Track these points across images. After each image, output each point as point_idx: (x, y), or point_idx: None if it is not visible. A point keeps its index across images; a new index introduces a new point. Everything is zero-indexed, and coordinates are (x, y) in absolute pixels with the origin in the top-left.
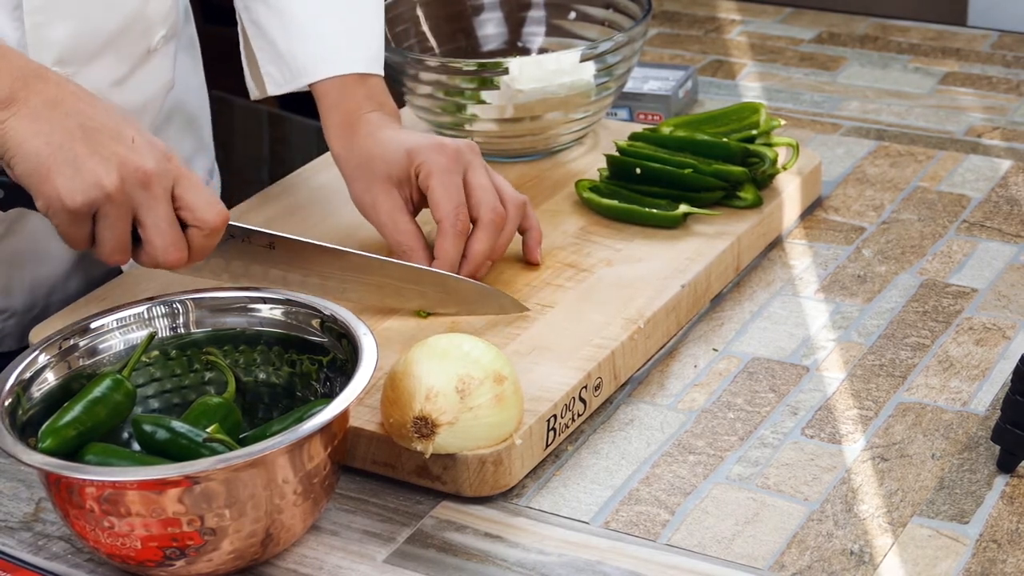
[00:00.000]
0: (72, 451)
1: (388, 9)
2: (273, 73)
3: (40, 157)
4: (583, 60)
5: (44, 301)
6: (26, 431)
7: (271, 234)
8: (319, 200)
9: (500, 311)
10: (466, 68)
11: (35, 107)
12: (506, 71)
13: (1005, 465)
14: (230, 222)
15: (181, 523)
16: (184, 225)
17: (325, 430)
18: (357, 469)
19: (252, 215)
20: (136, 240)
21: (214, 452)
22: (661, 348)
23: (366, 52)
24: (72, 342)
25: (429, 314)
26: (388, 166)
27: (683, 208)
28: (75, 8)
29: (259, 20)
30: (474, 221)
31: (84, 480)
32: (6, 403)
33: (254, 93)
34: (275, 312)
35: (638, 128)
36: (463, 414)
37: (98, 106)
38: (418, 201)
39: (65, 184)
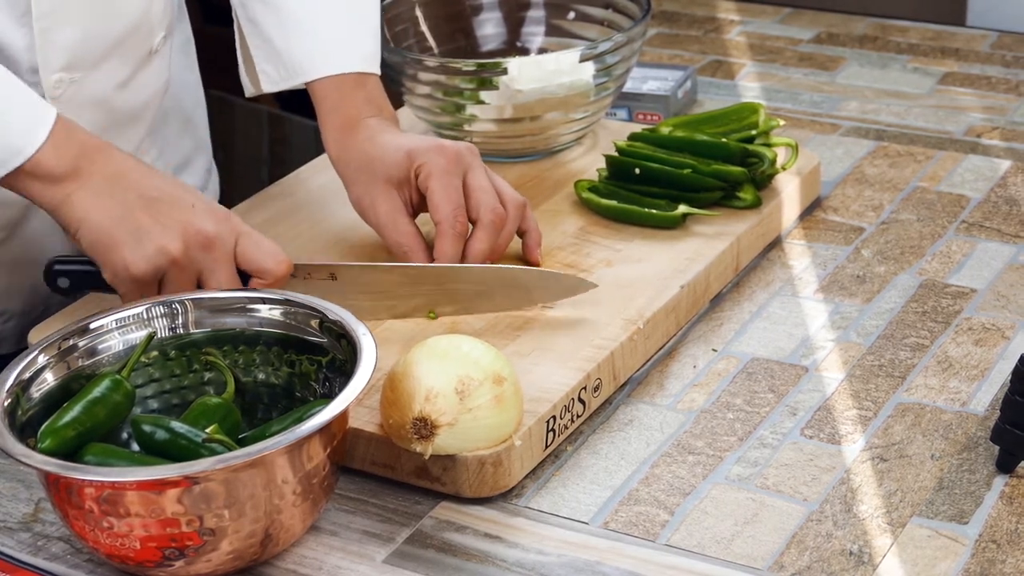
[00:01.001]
0: (71, 451)
1: (387, 9)
2: (269, 71)
3: (104, 228)
4: (582, 60)
5: (43, 303)
6: (25, 431)
7: (331, 264)
8: (319, 200)
9: (572, 292)
10: (465, 68)
11: (98, 181)
12: (505, 71)
13: (1004, 465)
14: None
15: (180, 523)
16: (247, 277)
17: (324, 430)
18: (356, 470)
19: (252, 215)
20: None
21: (213, 452)
22: (660, 348)
23: (363, 50)
24: (71, 342)
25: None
26: (388, 168)
27: (682, 208)
28: (82, 13)
29: (255, 17)
30: (474, 222)
31: (83, 480)
32: (6, 403)
33: (249, 90)
34: (274, 312)
35: (637, 128)
36: (462, 415)
37: (157, 177)
38: (417, 203)
39: (131, 253)
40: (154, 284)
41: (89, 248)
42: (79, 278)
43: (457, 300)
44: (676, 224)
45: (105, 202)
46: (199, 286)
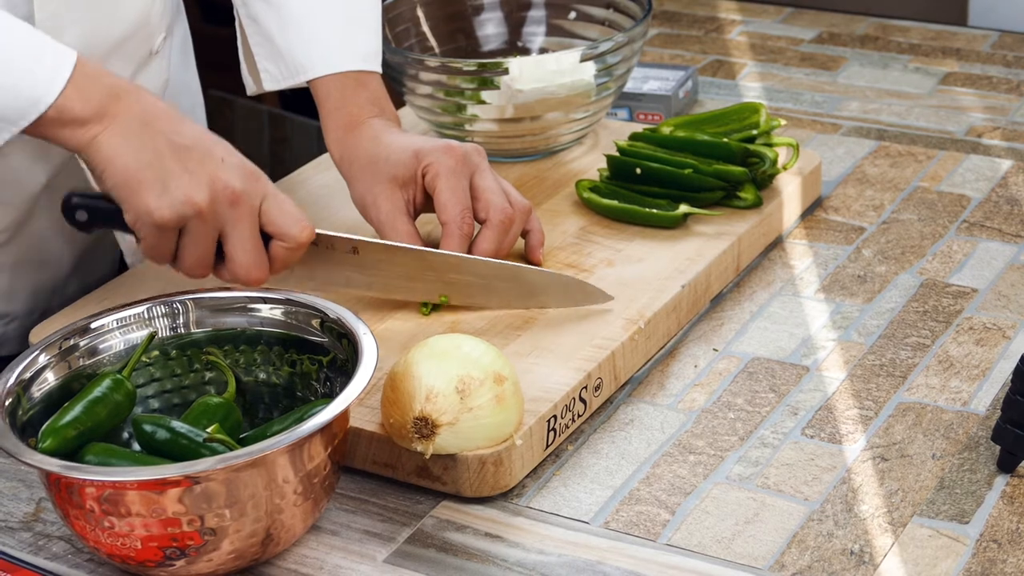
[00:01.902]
0: (72, 451)
1: (388, 9)
2: (270, 69)
3: (130, 171)
4: (583, 60)
5: (45, 305)
6: (26, 431)
7: (355, 239)
8: (319, 200)
9: (586, 301)
10: (466, 68)
11: (126, 123)
12: (506, 71)
13: (1005, 465)
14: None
15: (181, 523)
16: (269, 238)
17: (325, 430)
18: (357, 469)
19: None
20: (219, 256)
21: (214, 452)
22: (661, 348)
23: (364, 49)
24: (72, 342)
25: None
26: (393, 167)
27: (683, 208)
28: (85, 15)
29: (256, 15)
30: (481, 223)
31: (84, 480)
32: (6, 403)
33: (250, 88)
34: (275, 312)
35: (638, 128)
36: (463, 415)
37: (188, 124)
38: (420, 203)
39: (155, 199)
40: (175, 233)
41: (113, 189)
42: (98, 213)
43: (470, 291)
44: (677, 224)
45: (134, 143)
46: (219, 242)
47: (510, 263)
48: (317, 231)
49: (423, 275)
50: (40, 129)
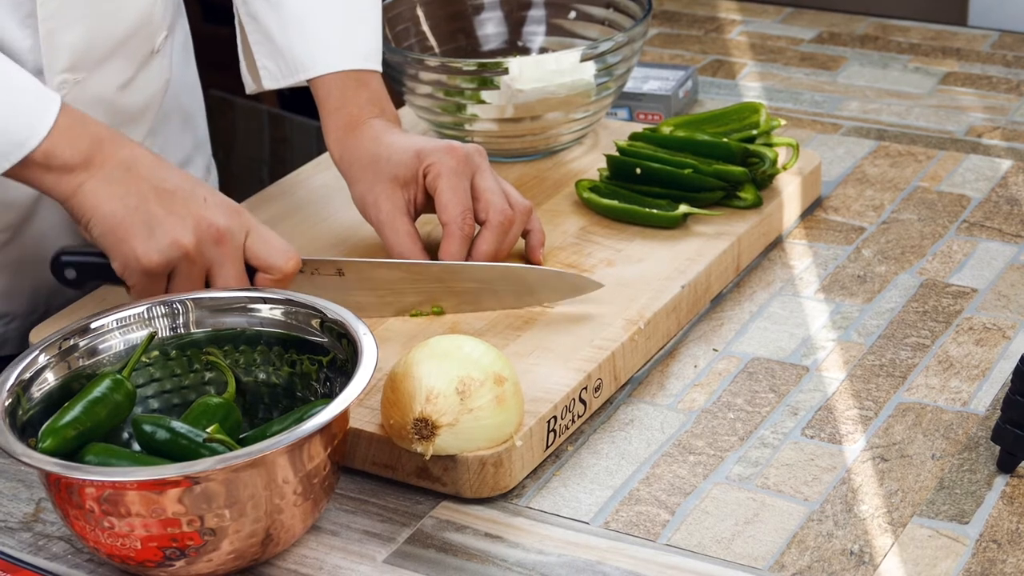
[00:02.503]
0: (72, 451)
1: (388, 9)
2: (270, 67)
3: (116, 219)
4: (583, 60)
5: (45, 305)
6: (26, 431)
7: (338, 260)
8: (319, 200)
9: (576, 292)
10: (466, 68)
11: (110, 170)
12: (506, 71)
13: (1005, 465)
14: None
15: (181, 523)
16: (255, 271)
17: (325, 430)
18: (357, 470)
19: (252, 215)
20: None
21: (214, 452)
22: (661, 348)
23: (364, 48)
24: (72, 342)
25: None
26: (395, 167)
27: (683, 208)
28: (87, 14)
29: (256, 13)
30: (481, 223)
31: (84, 480)
32: (6, 403)
33: (250, 87)
34: (275, 312)
35: (638, 128)
36: (463, 415)
37: (169, 169)
38: (421, 204)
39: (142, 244)
40: (164, 277)
41: (100, 238)
42: (86, 269)
43: (462, 297)
44: (677, 224)
45: (118, 192)
46: (207, 281)
47: (497, 264)
48: (303, 258)
49: (412, 287)
50: (25, 173)
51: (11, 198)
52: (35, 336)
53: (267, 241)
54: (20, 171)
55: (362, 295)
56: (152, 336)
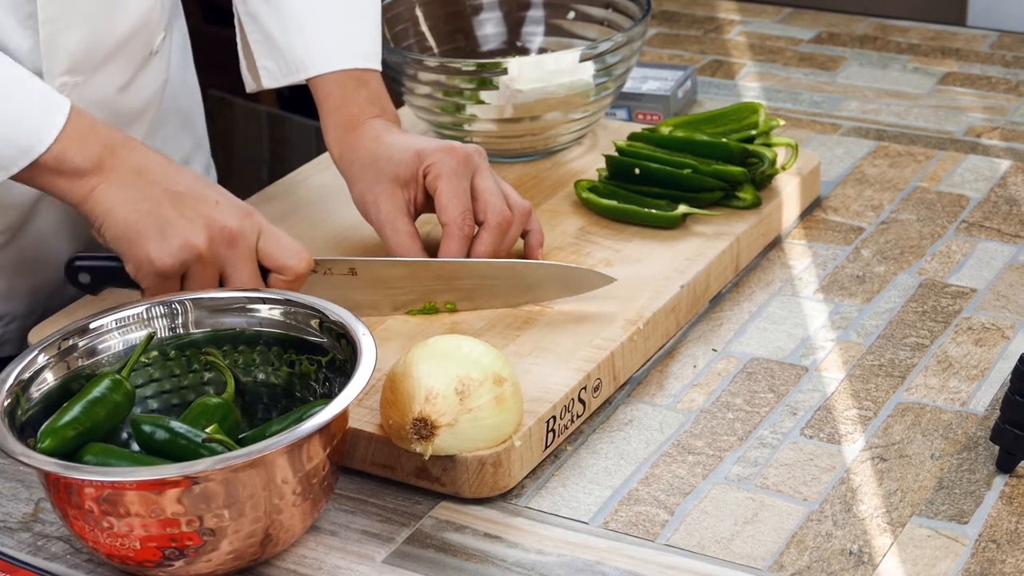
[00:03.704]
0: (71, 451)
1: (387, 9)
2: (269, 67)
3: (129, 222)
4: (582, 60)
5: (44, 306)
6: (25, 431)
7: (351, 260)
8: (319, 200)
9: (588, 287)
10: (465, 68)
11: (123, 175)
12: (505, 71)
13: (1004, 465)
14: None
15: (180, 523)
16: (268, 272)
17: (324, 430)
18: (356, 470)
19: None
20: None
21: (213, 452)
22: (660, 348)
23: (363, 47)
24: (71, 342)
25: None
26: (395, 166)
27: (682, 208)
28: (87, 16)
29: (255, 12)
30: (480, 224)
31: (83, 480)
32: (5, 403)
33: (250, 86)
34: (274, 312)
35: (637, 128)
36: (462, 415)
37: (181, 171)
38: (420, 204)
39: (155, 247)
40: (177, 279)
41: (113, 241)
42: (100, 273)
43: (476, 295)
44: (676, 224)
45: (131, 195)
46: (221, 282)
47: (509, 260)
48: (316, 258)
49: (425, 285)
50: (37, 178)
51: (11, 200)
52: (34, 336)
53: (279, 242)
54: (32, 175)
55: (375, 293)
56: (151, 336)
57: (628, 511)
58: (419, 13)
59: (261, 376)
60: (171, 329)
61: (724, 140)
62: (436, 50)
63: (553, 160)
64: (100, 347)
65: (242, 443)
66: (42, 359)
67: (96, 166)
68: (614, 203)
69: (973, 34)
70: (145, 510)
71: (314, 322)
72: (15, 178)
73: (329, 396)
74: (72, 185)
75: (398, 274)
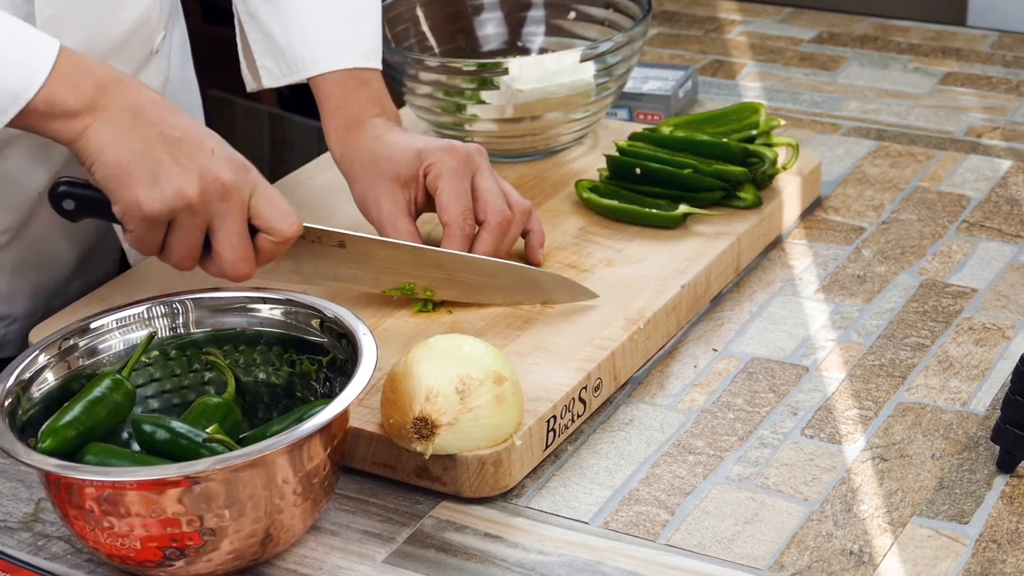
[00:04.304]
0: (72, 451)
1: (387, 9)
2: (270, 66)
3: (121, 163)
4: (583, 60)
5: (45, 306)
6: (26, 431)
7: (342, 233)
8: (319, 200)
9: (572, 298)
10: (466, 68)
11: (116, 114)
12: (506, 71)
13: (1005, 465)
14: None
15: (180, 523)
16: (256, 230)
17: (325, 430)
18: (357, 469)
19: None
20: (206, 248)
21: (214, 452)
22: (661, 348)
23: (364, 47)
24: (72, 342)
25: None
26: (396, 166)
27: (683, 208)
28: (86, 16)
29: (256, 11)
30: (480, 224)
31: (84, 480)
32: (6, 403)
33: (250, 85)
34: (275, 312)
35: (638, 128)
36: (463, 415)
37: (178, 115)
38: (421, 203)
39: (145, 191)
40: (163, 226)
41: (103, 182)
42: (85, 203)
43: (460, 288)
44: (677, 224)
45: (124, 135)
46: (207, 235)
47: (494, 259)
48: (307, 224)
49: (410, 270)
50: (29, 121)
51: (12, 201)
52: (35, 336)
53: (272, 202)
54: (23, 120)
55: (360, 269)
56: (152, 336)
57: (629, 511)
58: (420, 13)
59: (262, 376)
60: (172, 329)
61: (725, 140)
62: (437, 50)
63: (554, 160)
64: (101, 347)
65: (243, 443)
66: (43, 359)
67: (88, 106)
68: (615, 203)
69: (973, 34)
70: (146, 510)
71: (315, 322)
72: (9, 124)
73: (330, 396)
74: (64, 126)
75: (387, 255)
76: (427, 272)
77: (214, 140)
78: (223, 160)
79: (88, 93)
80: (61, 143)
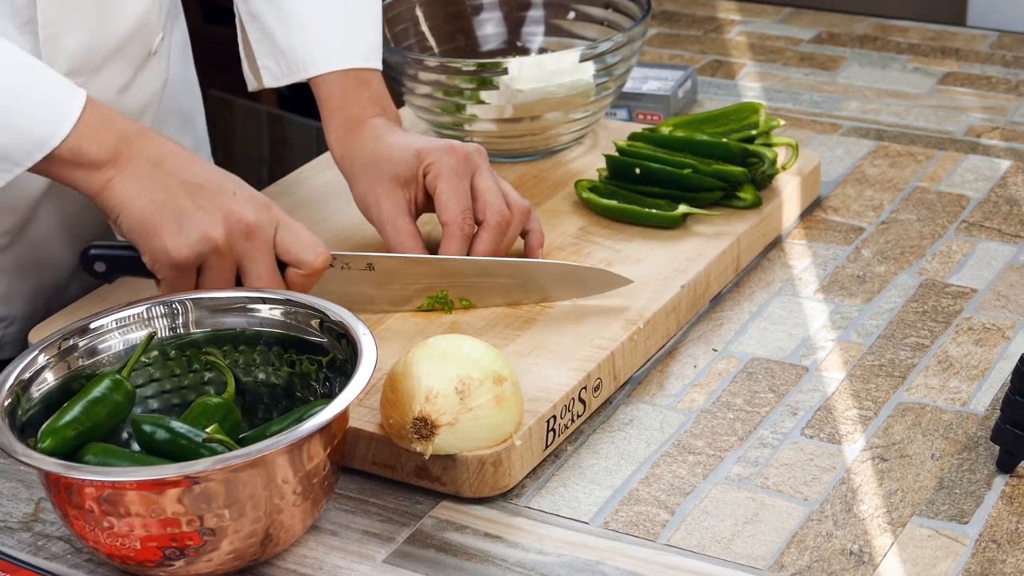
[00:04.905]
0: (71, 451)
1: (387, 9)
2: (271, 66)
3: (146, 214)
4: (583, 60)
5: (45, 308)
6: (26, 431)
7: (369, 256)
8: (319, 200)
9: (607, 287)
10: (465, 68)
11: (139, 166)
12: (505, 71)
13: (1004, 465)
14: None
15: (180, 523)
16: (285, 265)
17: (324, 430)
18: (357, 469)
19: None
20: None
21: (213, 452)
22: (661, 348)
23: (364, 47)
24: (71, 342)
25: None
26: (395, 166)
27: (682, 208)
28: (86, 18)
29: (256, 11)
30: (479, 224)
31: (83, 480)
32: (6, 403)
33: (252, 85)
34: (275, 312)
35: (637, 128)
36: (463, 415)
37: (198, 162)
38: (421, 203)
39: (172, 239)
40: (194, 271)
41: (129, 233)
42: (116, 262)
43: (488, 293)
44: (676, 224)
45: (147, 187)
46: (238, 275)
47: (527, 260)
48: (334, 252)
49: (440, 283)
50: (54, 170)
51: (12, 203)
52: (34, 336)
53: (297, 236)
54: (48, 167)
55: (391, 289)
56: (151, 336)
57: (628, 511)
58: (419, 13)
59: (261, 376)
60: (171, 329)
61: (724, 140)
62: (436, 50)
63: (553, 160)
64: (100, 347)
65: (242, 443)
66: (42, 359)
67: (112, 157)
68: (614, 203)
69: (973, 34)
70: (145, 510)
71: (314, 322)
72: (31, 169)
73: (329, 396)
74: (88, 176)
75: (417, 271)
76: (459, 282)
77: (234, 183)
78: (245, 200)
79: (112, 145)
80: (85, 194)
